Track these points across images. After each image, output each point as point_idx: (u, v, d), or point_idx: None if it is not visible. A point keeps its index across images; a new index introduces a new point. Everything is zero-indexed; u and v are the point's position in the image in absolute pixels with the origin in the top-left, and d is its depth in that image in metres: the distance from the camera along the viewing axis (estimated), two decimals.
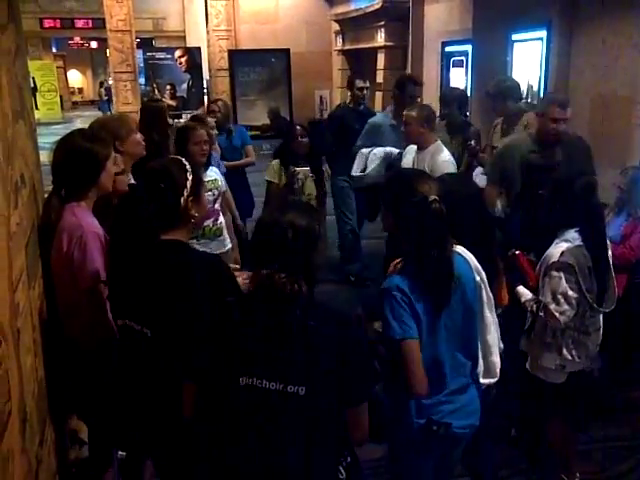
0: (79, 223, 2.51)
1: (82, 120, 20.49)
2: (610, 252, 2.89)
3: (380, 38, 11.14)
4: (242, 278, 2.33)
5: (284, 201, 4.04)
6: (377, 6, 10.57)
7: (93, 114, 20.90)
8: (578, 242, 2.76)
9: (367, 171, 4.94)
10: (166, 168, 2.19)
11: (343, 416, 1.79)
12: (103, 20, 12.65)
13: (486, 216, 2.92)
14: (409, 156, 4.43)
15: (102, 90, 26.11)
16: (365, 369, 1.80)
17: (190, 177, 2.15)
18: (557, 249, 2.78)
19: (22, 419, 1.95)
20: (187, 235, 2.22)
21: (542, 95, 6.21)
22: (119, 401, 2.38)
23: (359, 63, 12.84)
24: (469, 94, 7.13)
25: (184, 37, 18.62)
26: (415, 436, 2.18)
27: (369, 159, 4.93)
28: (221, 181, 4.14)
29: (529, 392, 3.17)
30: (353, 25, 12.45)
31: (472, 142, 4.87)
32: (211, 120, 5.04)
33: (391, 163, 4.82)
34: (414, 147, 4.40)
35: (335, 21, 13.32)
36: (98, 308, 2.44)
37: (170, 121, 6.19)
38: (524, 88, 6.02)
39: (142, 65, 13.76)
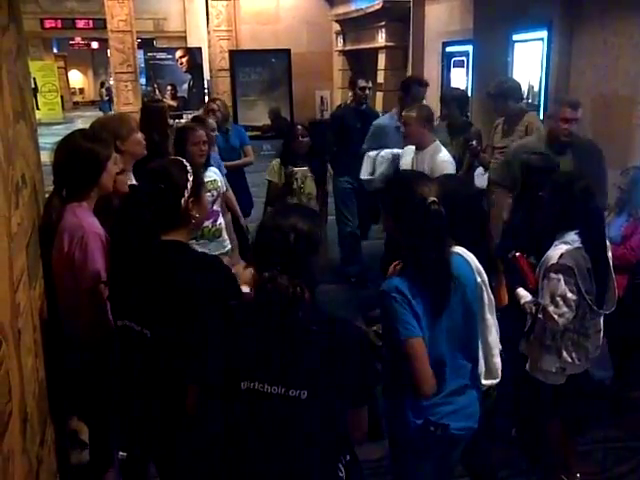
0: (80, 223, 2.51)
1: (83, 120, 20.49)
2: (610, 253, 2.88)
3: (381, 38, 11.15)
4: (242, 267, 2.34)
5: (284, 202, 4.04)
6: (378, 6, 10.57)
7: (94, 114, 20.89)
8: (577, 244, 2.76)
9: (376, 174, 4.93)
10: (166, 169, 2.19)
11: (344, 417, 1.79)
12: (104, 20, 12.69)
13: (485, 216, 2.92)
14: (407, 157, 4.42)
15: (103, 90, 26.14)
16: (366, 372, 1.80)
17: (191, 178, 2.15)
18: (556, 251, 2.78)
19: (23, 419, 1.95)
20: (187, 236, 2.22)
21: (543, 95, 6.22)
22: (119, 401, 2.38)
23: (360, 63, 12.84)
24: (470, 94, 7.13)
25: (185, 37, 18.64)
26: (413, 436, 2.18)
27: (377, 162, 4.91)
28: (221, 182, 4.13)
29: (529, 393, 3.16)
30: (354, 25, 12.46)
31: (473, 142, 4.86)
32: (212, 122, 5.04)
33: (399, 165, 4.82)
34: (412, 148, 4.40)
35: (336, 21, 13.32)
36: (99, 308, 2.44)
37: (171, 121, 6.19)
38: (525, 88, 6.02)
39: (143, 65, 13.79)
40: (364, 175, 5.03)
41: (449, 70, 9.26)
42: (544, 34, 6.13)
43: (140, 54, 13.48)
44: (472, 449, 2.50)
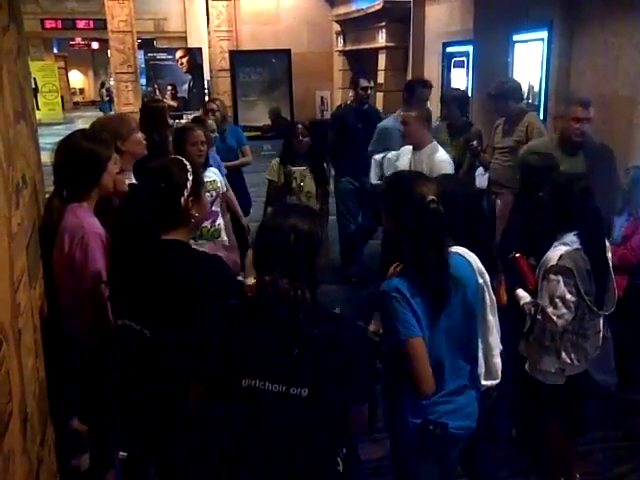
0: (81, 224, 2.52)
1: (83, 121, 20.50)
2: (610, 254, 2.88)
3: (381, 39, 11.15)
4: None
5: (284, 202, 4.04)
6: (378, 7, 10.58)
7: (94, 115, 20.90)
8: (576, 245, 2.76)
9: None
10: (166, 168, 2.19)
11: (344, 413, 1.80)
12: (104, 21, 12.71)
13: (485, 216, 2.92)
14: (405, 157, 4.41)
15: (103, 91, 26.14)
16: (367, 370, 1.81)
17: (190, 177, 2.15)
18: (555, 252, 2.78)
19: (23, 419, 1.95)
20: (187, 235, 2.22)
21: (543, 96, 6.22)
22: (119, 401, 2.38)
23: (360, 64, 12.84)
24: (470, 95, 7.13)
25: (185, 38, 18.65)
26: (412, 436, 2.18)
27: (385, 165, 4.89)
28: (220, 182, 4.13)
29: (528, 393, 3.17)
30: (354, 26, 12.46)
31: (474, 142, 4.87)
32: (212, 123, 5.03)
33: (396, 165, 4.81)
34: (409, 148, 4.40)
35: (336, 22, 13.33)
36: (99, 308, 2.45)
37: (171, 121, 6.19)
38: (525, 89, 6.02)
39: (143, 66, 13.80)
40: (374, 180, 5.01)
41: (449, 70, 9.26)
42: (544, 34, 6.13)
43: (140, 54, 13.49)
44: (471, 449, 2.50)
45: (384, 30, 10.95)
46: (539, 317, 2.79)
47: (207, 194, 3.65)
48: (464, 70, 8.75)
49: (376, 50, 11.39)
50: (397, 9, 10.35)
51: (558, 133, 4.04)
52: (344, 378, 1.73)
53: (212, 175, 4.05)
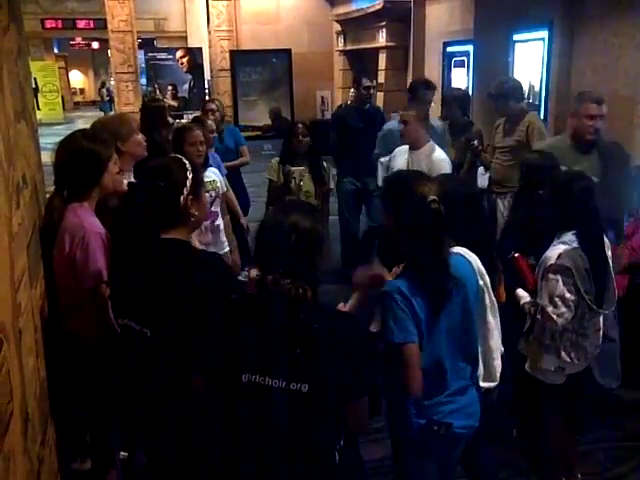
0: (81, 223, 2.52)
1: (84, 121, 20.51)
2: (610, 253, 2.87)
3: (381, 38, 11.15)
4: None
5: (284, 200, 4.04)
6: (378, 6, 10.57)
7: (95, 115, 20.92)
8: (575, 244, 2.75)
9: None
10: (166, 167, 2.19)
11: (342, 408, 1.81)
12: (105, 21, 12.71)
13: (485, 216, 2.92)
14: (401, 157, 4.40)
15: (104, 90, 26.14)
16: (367, 365, 1.82)
17: (190, 176, 2.15)
18: (554, 251, 2.77)
19: (24, 419, 1.95)
20: (187, 234, 2.22)
21: (544, 95, 6.22)
22: (120, 401, 2.38)
23: (360, 63, 12.84)
24: (470, 94, 7.12)
25: (185, 37, 18.66)
26: (416, 436, 2.18)
27: (391, 168, 4.89)
28: (220, 182, 4.12)
29: (529, 393, 3.16)
30: (354, 25, 12.45)
31: (475, 142, 4.87)
32: (211, 123, 5.03)
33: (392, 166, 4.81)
34: (405, 148, 4.39)
35: (336, 21, 13.32)
36: (100, 308, 2.45)
37: (171, 121, 6.19)
38: (526, 88, 6.02)
39: (143, 66, 13.81)
40: (381, 183, 5.00)
41: (450, 70, 9.27)
42: (545, 34, 6.13)
43: (141, 54, 13.50)
44: (471, 449, 2.50)
45: (384, 30, 10.95)
46: (539, 316, 2.79)
47: (207, 194, 3.66)
48: (464, 70, 8.75)
49: (376, 50, 11.39)
50: (397, 9, 10.35)
51: (570, 131, 3.92)
52: (344, 374, 1.73)
53: (212, 175, 4.03)
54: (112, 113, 17.78)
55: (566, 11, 5.84)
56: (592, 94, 3.83)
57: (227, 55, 13.36)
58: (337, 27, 13.46)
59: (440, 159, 4.16)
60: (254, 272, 1.85)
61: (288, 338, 1.71)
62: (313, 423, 1.76)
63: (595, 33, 5.47)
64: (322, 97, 14.09)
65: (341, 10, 13.10)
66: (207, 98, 12.11)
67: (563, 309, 2.72)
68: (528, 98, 6.23)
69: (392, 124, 5.47)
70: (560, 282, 2.72)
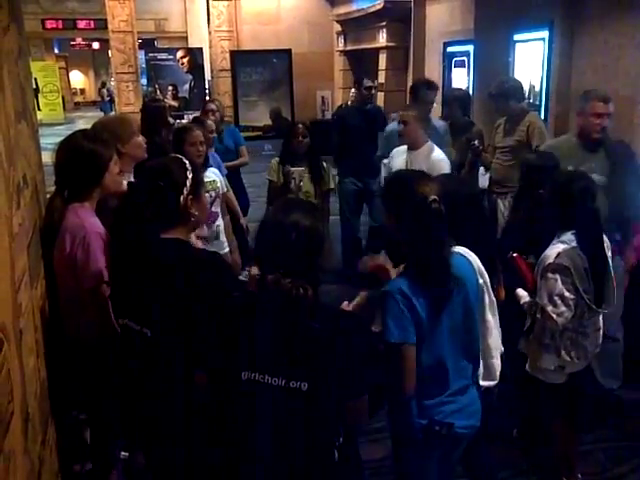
0: (82, 224, 2.52)
1: (84, 121, 20.53)
2: (610, 252, 2.87)
3: (382, 38, 11.15)
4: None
5: (285, 199, 4.04)
6: (379, 6, 10.57)
7: (95, 115, 20.94)
8: (574, 244, 2.75)
9: None
10: (166, 166, 2.19)
11: (342, 406, 1.81)
12: (105, 21, 12.72)
13: (486, 216, 2.92)
14: (399, 158, 4.39)
15: (104, 91, 26.15)
16: (367, 366, 1.82)
17: (190, 176, 2.15)
18: (553, 250, 2.77)
19: (24, 419, 1.96)
20: (187, 234, 2.22)
21: (544, 95, 6.22)
22: (120, 401, 2.38)
23: (361, 63, 12.85)
24: (471, 94, 7.12)
25: (186, 38, 18.67)
26: (417, 436, 2.18)
27: (389, 169, 4.89)
28: (220, 182, 4.11)
29: (530, 393, 3.16)
30: (355, 25, 12.45)
31: (475, 142, 4.87)
32: (211, 123, 5.03)
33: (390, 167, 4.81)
34: (403, 148, 4.40)
35: (337, 22, 13.32)
36: (100, 308, 2.45)
37: (172, 121, 6.19)
38: (526, 88, 6.01)
39: (144, 66, 13.81)
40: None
41: (450, 70, 9.27)
42: (545, 34, 6.13)
43: (141, 54, 13.51)
44: (471, 449, 2.50)
45: (385, 30, 10.95)
46: (539, 316, 2.79)
47: (206, 194, 3.66)
48: (465, 70, 8.75)
49: (377, 50, 11.39)
50: (398, 9, 10.35)
51: (577, 130, 3.89)
52: (344, 373, 1.74)
53: (212, 175, 4.03)
54: (113, 113, 17.81)
55: (566, 11, 5.83)
56: (598, 92, 3.81)
57: (227, 55, 13.37)
58: (337, 27, 13.46)
59: (439, 159, 4.17)
60: (255, 270, 1.85)
61: (288, 337, 1.71)
62: (312, 421, 1.77)
63: (595, 33, 5.47)
64: (322, 97, 14.09)
65: (341, 10, 13.11)
66: (207, 98, 12.12)
67: (563, 308, 2.72)
68: (528, 98, 6.22)
69: (394, 125, 5.47)
70: (559, 281, 2.72)
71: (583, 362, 2.87)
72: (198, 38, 17.04)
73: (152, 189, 2.11)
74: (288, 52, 13.14)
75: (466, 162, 5.15)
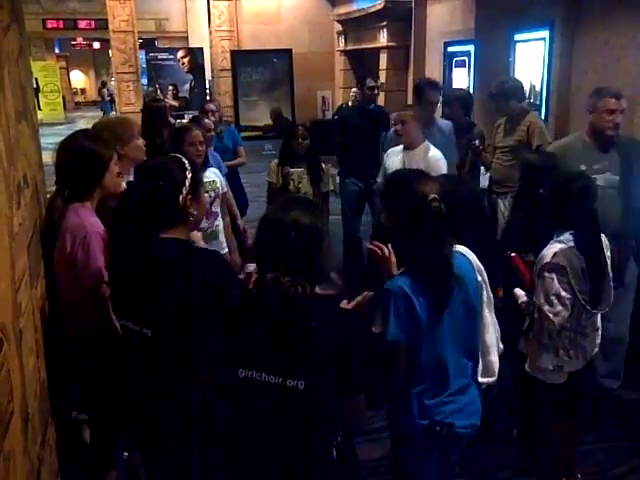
0: (82, 223, 2.52)
1: (85, 121, 20.55)
2: (609, 253, 2.87)
3: (382, 38, 11.15)
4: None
5: (284, 197, 4.05)
6: (379, 6, 10.57)
7: (96, 115, 20.96)
8: (571, 243, 2.75)
9: None
10: (165, 166, 2.19)
11: (339, 405, 1.81)
12: (106, 21, 12.73)
13: (486, 216, 2.92)
14: (395, 158, 4.39)
15: (105, 91, 26.16)
16: (364, 365, 1.82)
17: (189, 175, 2.15)
18: (550, 250, 2.77)
19: (24, 419, 1.96)
20: (186, 234, 2.22)
21: (545, 95, 6.21)
22: (120, 401, 2.38)
23: (361, 63, 12.84)
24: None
25: (186, 38, 18.66)
26: (418, 437, 2.18)
27: (385, 169, 4.89)
28: (220, 182, 4.11)
29: (530, 393, 3.16)
30: (355, 25, 12.45)
31: (476, 142, 4.87)
32: (209, 122, 5.04)
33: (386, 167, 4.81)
34: (398, 148, 4.40)
35: (337, 21, 13.32)
36: (101, 308, 2.45)
37: (172, 121, 6.19)
38: (527, 88, 6.01)
39: (144, 66, 13.80)
40: None
41: (451, 70, 9.26)
42: (546, 34, 6.12)
43: (142, 54, 13.50)
44: (469, 449, 2.50)
45: (385, 30, 10.94)
46: (536, 315, 2.80)
47: (206, 194, 3.66)
48: (465, 70, 8.75)
49: (377, 50, 11.38)
50: (398, 8, 10.35)
51: (589, 129, 3.83)
52: (341, 372, 1.73)
53: (212, 175, 4.03)
54: (113, 113, 17.82)
55: (567, 11, 5.83)
56: (610, 89, 3.78)
57: (228, 55, 13.36)
58: (338, 27, 13.45)
59: (436, 158, 4.17)
60: (251, 267, 1.85)
61: (286, 335, 1.71)
62: (310, 420, 1.77)
63: (596, 33, 5.47)
64: (323, 97, 14.08)
65: (342, 10, 13.10)
66: (207, 98, 12.12)
67: (559, 308, 2.72)
68: (529, 98, 6.22)
69: None
70: (555, 281, 2.72)
71: (582, 361, 2.87)
72: (199, 38, 17.04)
73: (151, 189, 2.11)
74: (289, 52, 13.13)
75: (467, 162, 5.15)
